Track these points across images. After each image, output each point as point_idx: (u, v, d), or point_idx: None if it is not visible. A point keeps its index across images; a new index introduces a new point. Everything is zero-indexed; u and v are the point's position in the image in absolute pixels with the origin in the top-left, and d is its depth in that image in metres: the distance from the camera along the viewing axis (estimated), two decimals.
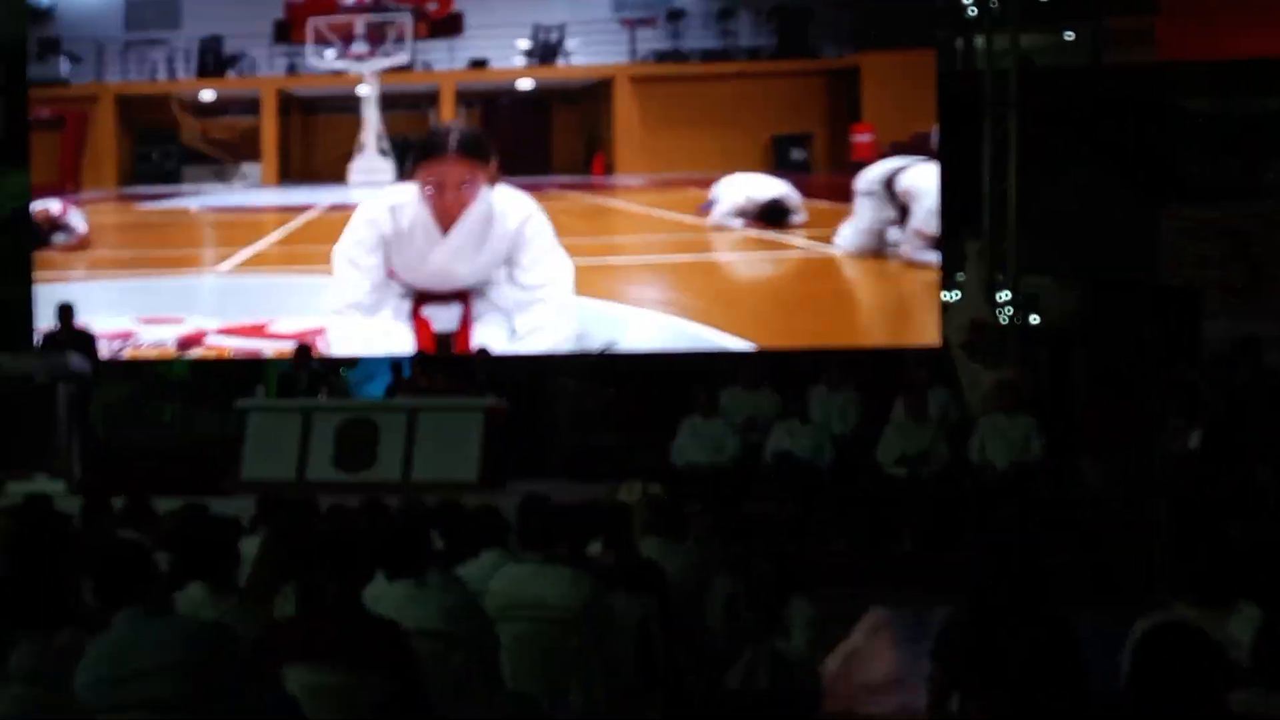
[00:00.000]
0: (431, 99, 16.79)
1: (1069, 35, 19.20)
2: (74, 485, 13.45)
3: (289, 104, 16.87)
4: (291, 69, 16.90)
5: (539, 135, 16.80)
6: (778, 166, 16.17)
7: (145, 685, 4.63)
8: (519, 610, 6.30)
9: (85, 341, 15.10)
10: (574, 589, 6.31)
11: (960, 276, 15.58)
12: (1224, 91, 15.73)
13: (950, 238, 15.61)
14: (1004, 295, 15.64)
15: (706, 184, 16.23)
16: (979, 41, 16.98)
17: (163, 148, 17.02)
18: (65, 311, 15.36)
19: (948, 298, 15.90)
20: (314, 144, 17.03)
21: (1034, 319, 16.99)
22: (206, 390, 18.44)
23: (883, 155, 15.82)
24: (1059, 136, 16.55)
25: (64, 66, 17.35)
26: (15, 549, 5.37)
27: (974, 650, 5.34)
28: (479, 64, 16.73)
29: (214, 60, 16.94)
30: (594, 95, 16.63)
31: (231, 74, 17.04)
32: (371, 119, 16.73)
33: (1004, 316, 15.48)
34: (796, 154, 16.05)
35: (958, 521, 13.07)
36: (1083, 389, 16.36)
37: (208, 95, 17.18)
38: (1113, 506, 13.11)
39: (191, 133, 17.05)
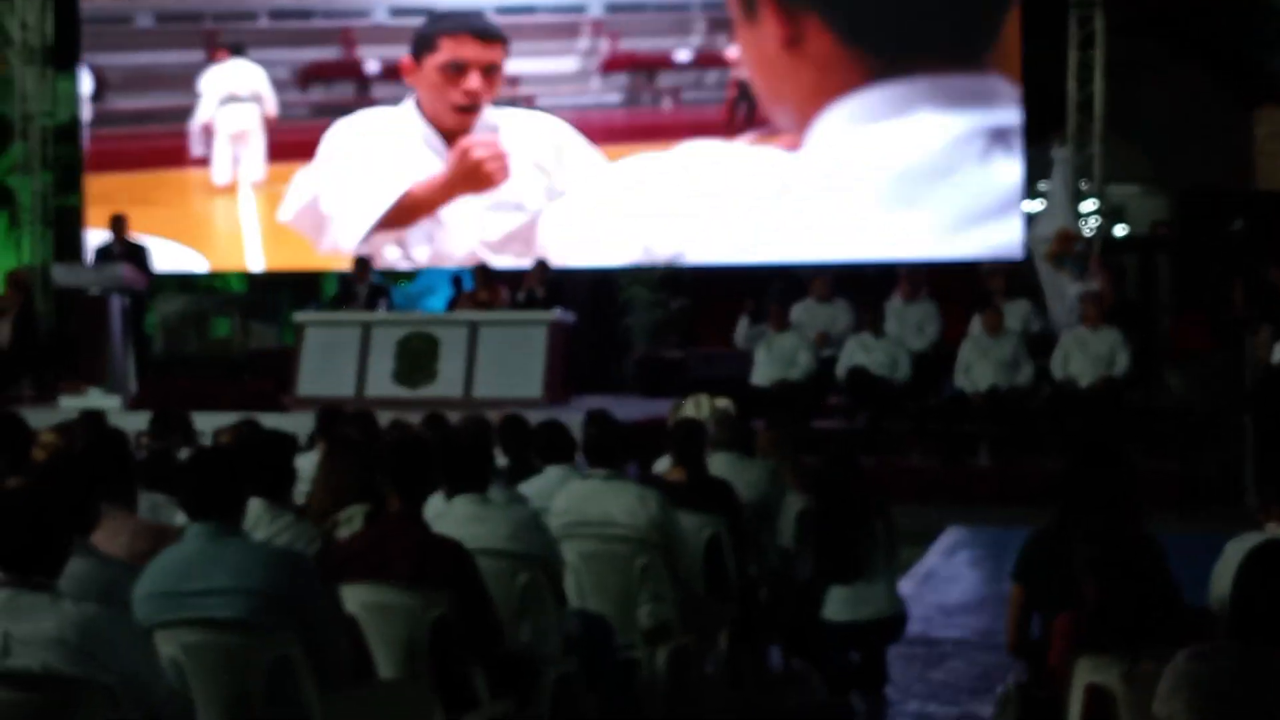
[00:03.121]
0: None
1: None
2: (128, 400, 13.27)
3: None
4: None
5: None
6: None
7: (208, 604, 4.48)
8: (585, 528, 6.15)
9: (139, 253, 14.88)
10: (641, 506, 6.12)
11: (1044, 185, 15.16)
12: None
13: (1034, 145, 15.18)
14: (1089, 204, 15.22)
15: None
16: None
17: None
18: (119, 222, 15.15)
19: (1030, 207, 15.50)
20: None
21: (1120, 229, 16.61)
22: (264, 304, 18.33)
23: None
24: (1146, 38, 16.08)
25: None
26: (68, 466, 5.11)
27: (1057, 568, 5.10)
28: None
29: None
30: None
31: None
32: None
33: (1089, 226, 15.07)
34: None
35: (1038, 436, 12.80)
36: (1169, 299, 16.00)
37: None
38: (1199, 417, 12.82)
39: None
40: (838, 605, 6.82)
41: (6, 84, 18.42)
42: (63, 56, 17.98)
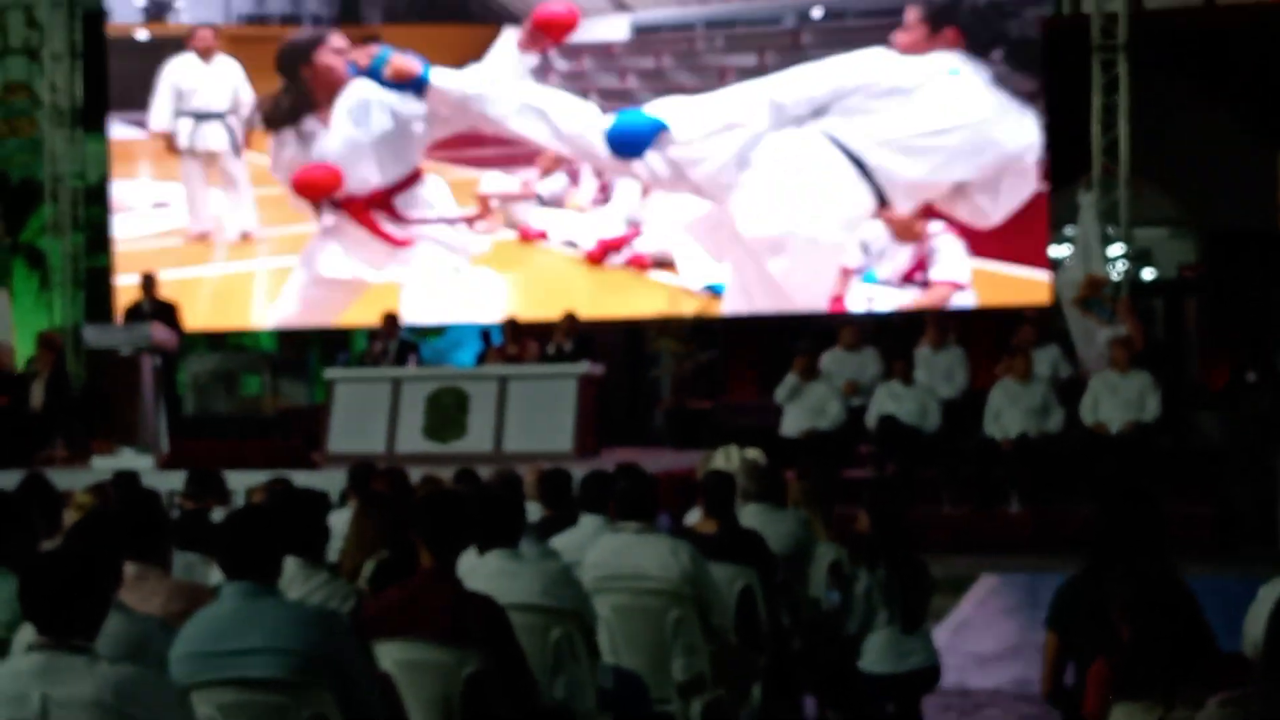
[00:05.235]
0: None
1: None
2: (160, 460, 13.30)
3: None
4: None
5: None
6: None
7: (245, 664, 4.49)
8: (618, 582, 6.13)
9: (169, 312, 14.95)
10: (673, 559, 6.10)
11: (1070, 230, 15.12)
12: None
13: (1060, 190, 15.15)
14: (1116, 248, 15.19)
15: None
16: None
17: None
18: (149, 282, 15.22)
19: (1056, 252, 15.46)
20: None
21: (1148, 272, 16.56)
22: (293, 361, 18.36)
23: None
24: (1171, 81, 16.05)
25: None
26: (102, 526, 5.12)
27: (1091, 615, 5.10)
28: None
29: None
30: None
31: None
32: None
33: (1116, 270, 15.04)
34: None
35: (1070, 482, 12.74)
36: (1198, 342, 15.94)
37: None
38: (1230, 460, 12.73)
39: None
40: (877, 656, 6.78)
41: (36, 146, 18.56)
42: (91, 118, 18.09)
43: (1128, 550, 5.19)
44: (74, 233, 18.11)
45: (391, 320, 15.20)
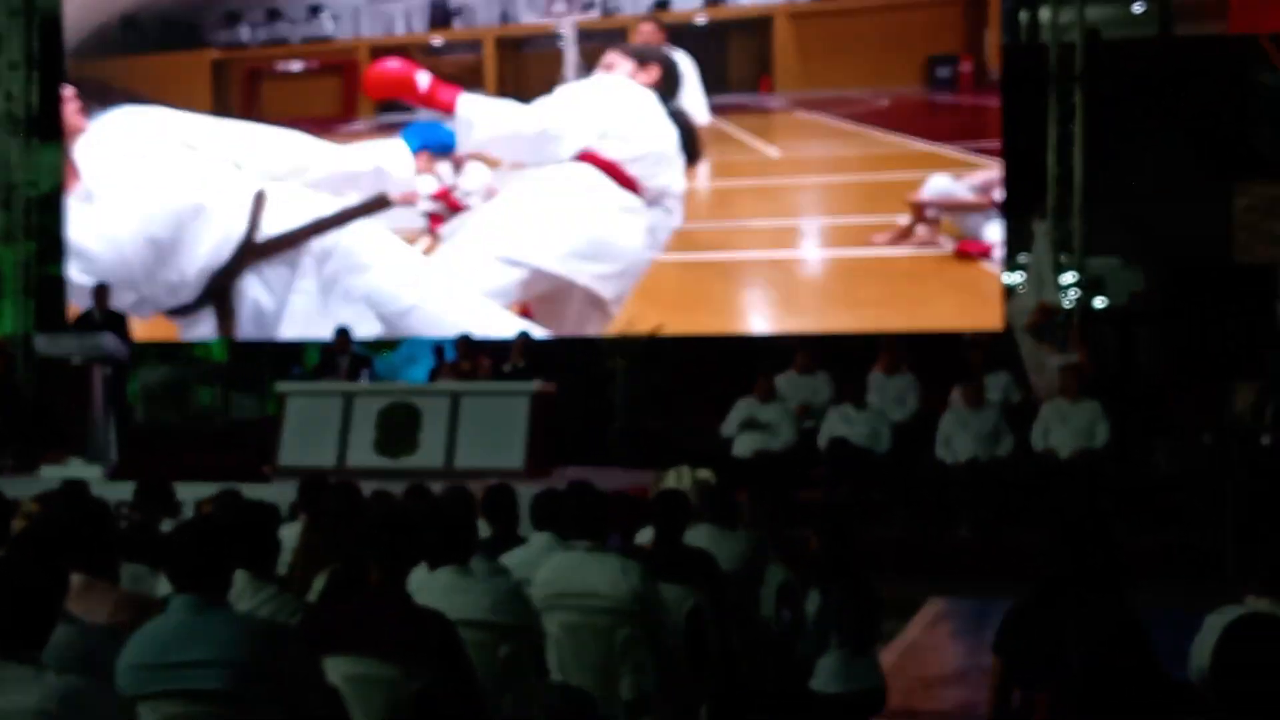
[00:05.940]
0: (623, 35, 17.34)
1: (1137, 7, 18.88)
2: (109, 470, 13.23)
3: (502, 44, 17.88)
4: (504, 18, 17.76)
5: (716, 60, 17.14)
6: (928, 85, 16.15)
7: (191, 676, 4.48)
8: (567, 600, 6.14)
9: (119, 323, 14.88)
10: (624, 578, 6.11)
11: (1024, 258, 15.20)
12: None
13: (1015, 217, 15.23)
14: (1069, 276, 15.28)
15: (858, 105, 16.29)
16: (1044, 14, 16.61)
17: None
18: (101, 292, 15.15)
19: (1010, 279, 15.52)
20: (524, 76, 17.78)
21: (1100, 301, 16.65)
22: (245, 373, 18.29)
23: None
24: (1126, 112, 16.19)
25: (328, 25, 18.24)
26: (48, 535, 5.09)
27: (1038, 642, 5.13)
28: (662, 5, 17.18)
29: (441, 14, 18.05)
30: (762, 27, 16.96)
31: (457, 24, 18.03)
32: (570, 57, 17.30)
33: (1069, 298, 15.13)
34: (942, 72, 15.98)
35: (1019, 508, 12.79)
36: (1150, 372, 16.03)
37: (437, 42, 18.04)
38: (1182, 491, 12.80)
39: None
40: (828, 678, 6.78)
41: None
42: (47, 127, 18.02)
43: (1077, 579, 5.20)
44: (26, 241, 18.02)
45: (344, 335, 15.16)
